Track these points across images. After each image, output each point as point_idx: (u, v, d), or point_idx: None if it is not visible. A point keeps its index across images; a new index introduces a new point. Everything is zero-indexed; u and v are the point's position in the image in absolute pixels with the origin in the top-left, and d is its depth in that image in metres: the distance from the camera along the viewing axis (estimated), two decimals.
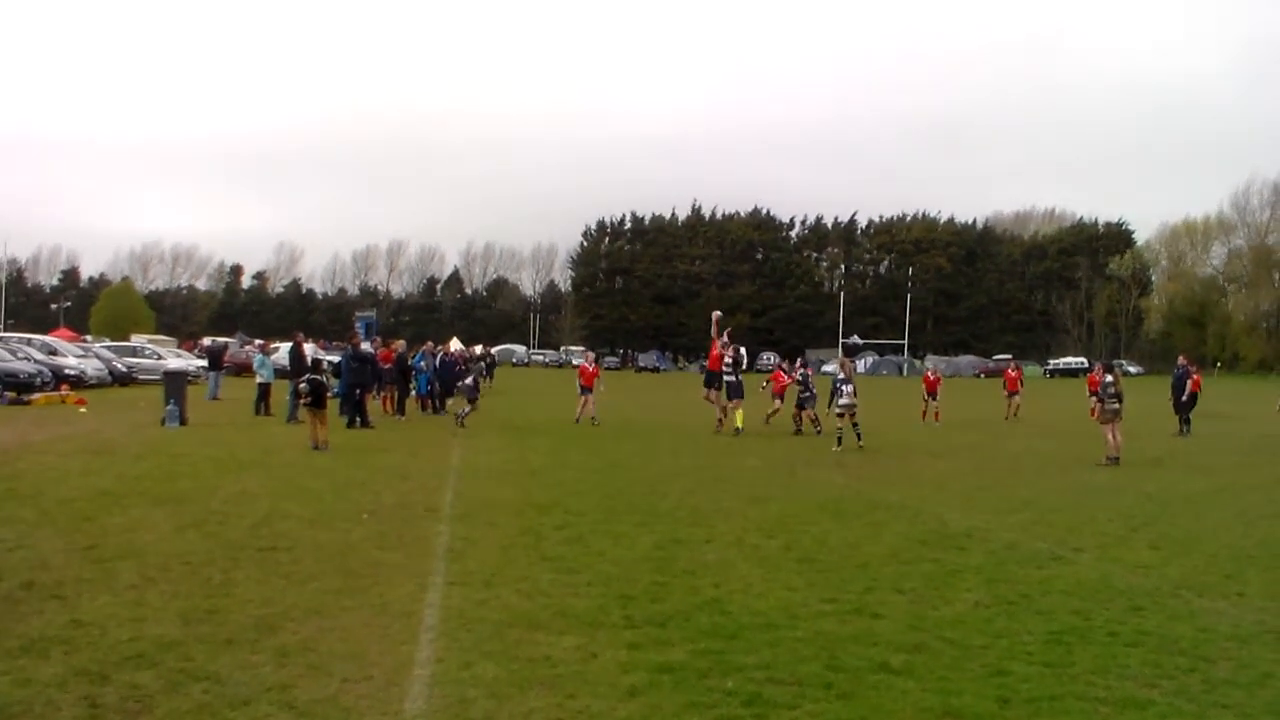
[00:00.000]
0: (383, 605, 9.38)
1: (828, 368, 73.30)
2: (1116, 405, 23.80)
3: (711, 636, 8.56)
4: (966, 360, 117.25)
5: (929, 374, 38.05)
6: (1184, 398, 33.41)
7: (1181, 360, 35.76)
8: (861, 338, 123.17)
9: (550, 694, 7.12)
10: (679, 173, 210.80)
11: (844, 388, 26.41)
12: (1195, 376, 36.30)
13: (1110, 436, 23.47)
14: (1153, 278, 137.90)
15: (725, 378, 29.71)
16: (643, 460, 22.69)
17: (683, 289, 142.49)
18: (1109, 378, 24.46)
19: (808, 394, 30.39)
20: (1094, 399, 26.66)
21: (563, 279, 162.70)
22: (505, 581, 10.37)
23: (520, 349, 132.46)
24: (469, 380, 31.04)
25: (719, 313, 33.08)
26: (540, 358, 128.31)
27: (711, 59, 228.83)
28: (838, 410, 26.29)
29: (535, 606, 9.43)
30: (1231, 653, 8.43)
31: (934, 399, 35.97)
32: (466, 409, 29.87)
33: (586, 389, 33.78)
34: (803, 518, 14.94)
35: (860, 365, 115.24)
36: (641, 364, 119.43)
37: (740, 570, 11.19)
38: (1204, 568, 11.94)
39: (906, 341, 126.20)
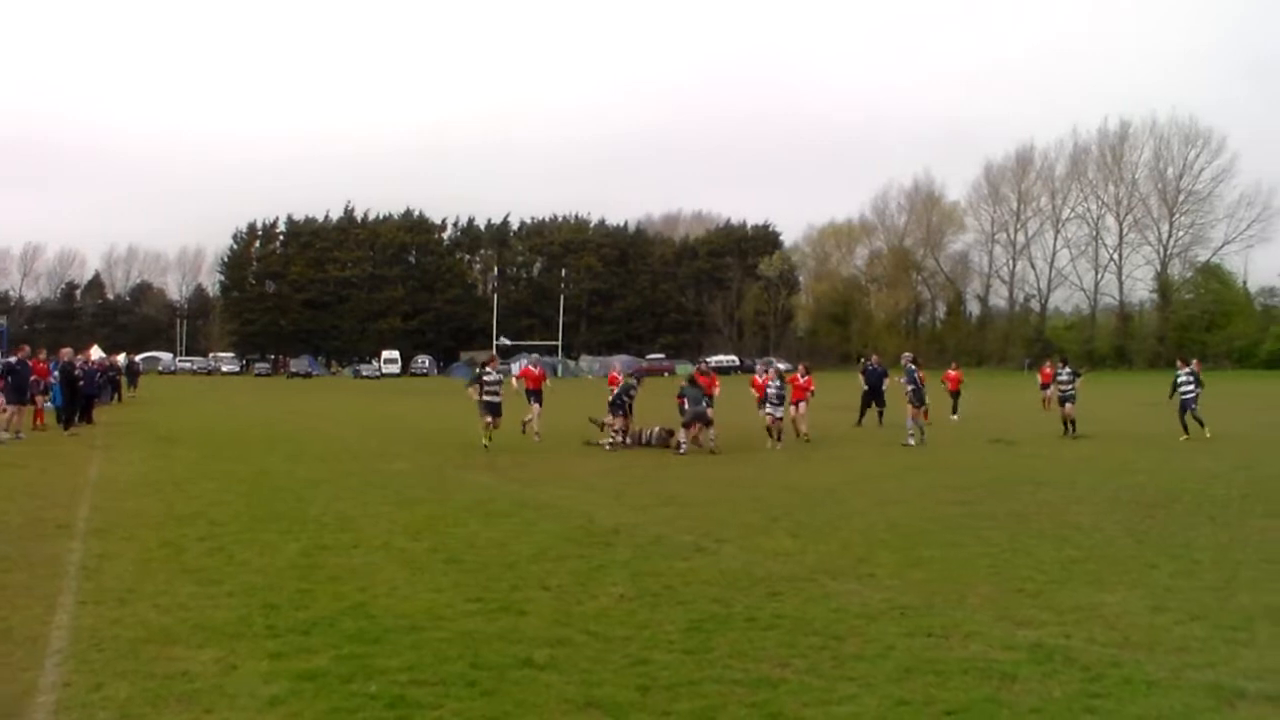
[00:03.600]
0: (4, 631, 8.86)
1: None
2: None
3: (356, 641, 8.49)
4: (621, 360, 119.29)
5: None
6: (883, 391, 34.82)
7: (875, 359, 37.16)
8: (515, 339, 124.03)
9: (187, 709, 6.92)
10: (332, 176, 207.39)
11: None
12: (953, 373, 37.96)
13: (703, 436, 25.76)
14: (800, 278, 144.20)
15: (488, 399, 26.53)
16: (291, 467, 22.26)
17: (335, 293, 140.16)
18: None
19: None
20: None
21: (211, 283, 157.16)
22: (142, 597, 9.99)
23: (166, 356, 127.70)
24: (626, 397, 27.15)
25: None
26: (187, 365, 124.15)
27: (361, 63, 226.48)
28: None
29: (174, 621, 9.13)
30: (860, 630, 8.92)
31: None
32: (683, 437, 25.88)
33: (533, 393, 29.81)
34: (451, 519, 14.98)
35: (514, 368, 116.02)
36: (293, 369, 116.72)
37: (386, 574, 11.14)
38: (838, 552, 12.54)
39: (561, 342, 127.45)
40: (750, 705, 7.04)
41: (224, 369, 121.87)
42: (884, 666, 7.87)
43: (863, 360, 36.76)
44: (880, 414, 34.50)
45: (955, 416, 36.98)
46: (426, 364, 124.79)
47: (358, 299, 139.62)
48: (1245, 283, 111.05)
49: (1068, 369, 31.21)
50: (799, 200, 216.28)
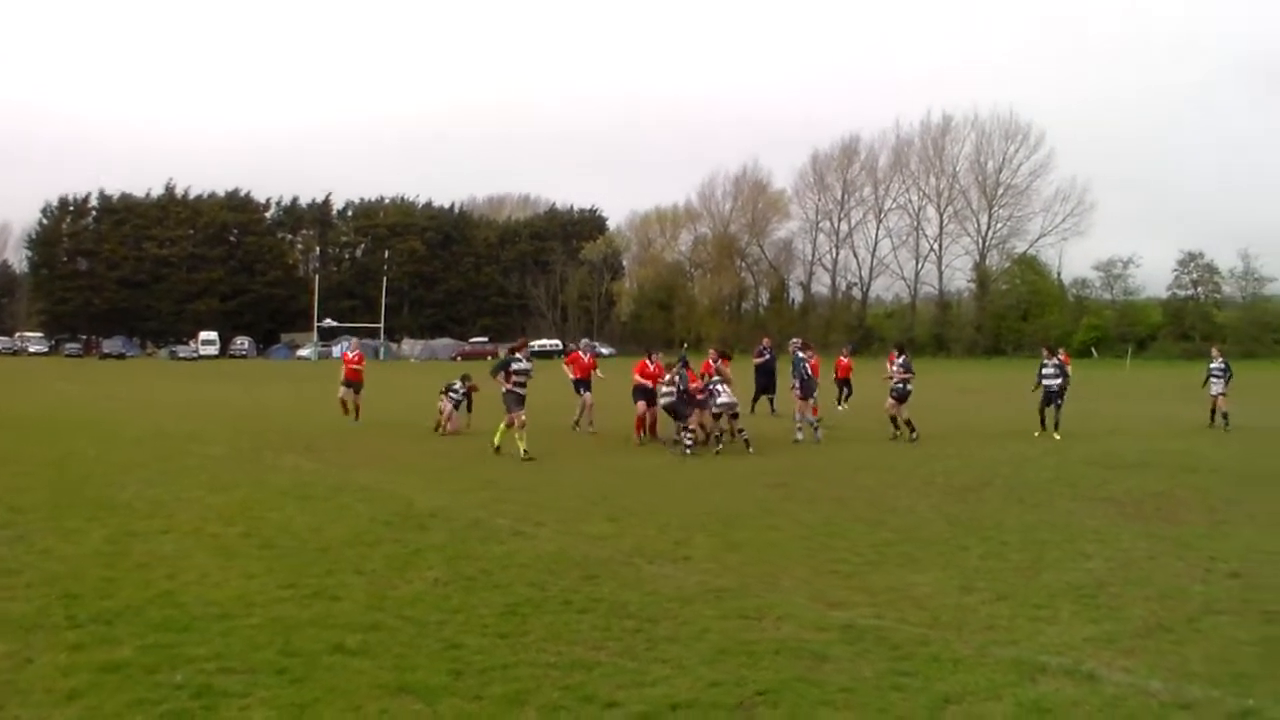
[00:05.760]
0: None
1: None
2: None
3: (162, 630, 8.29)
4: (443, 344, 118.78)
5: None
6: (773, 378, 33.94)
7: (766, 341, 36.50)
8: (337, 321, 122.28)
9: None
10: (153, 155, 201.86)
11: (719, 387, 23.19)
12: (843, 361, 37.16)
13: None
14: (624, 263, 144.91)
15: (516, 390, 22.14)
16: (100, 451, 21.53)
17: (151, 272, 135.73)
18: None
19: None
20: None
21: (18, 260, 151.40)
22: None
23: None
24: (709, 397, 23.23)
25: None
26: None
27: (190, 43, 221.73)
28: (715, 410, 23.09)
29: None
30: (675, 612, 9.03)
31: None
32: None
33: (582, 382, 27.25)
34: (266, 504, 14.74)
35: (335, 350, 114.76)
36: (106, 350, 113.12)
37: (197, 560, 10.90)
38: (656, 536, 12.65)
39: (383, 325, 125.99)
40: (563, 688, 7.09)
41: (31, 349, 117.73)
42: (697, 648, 7.99)
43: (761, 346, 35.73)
44: (769, 400, 33.64)
45: (843, 406, 35.38)
46: (246, 346, 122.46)
47: (176, 278, 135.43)
48: (1059, 274, 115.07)
49: (903, 358, 26.38)
50: (629, 188, 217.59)
